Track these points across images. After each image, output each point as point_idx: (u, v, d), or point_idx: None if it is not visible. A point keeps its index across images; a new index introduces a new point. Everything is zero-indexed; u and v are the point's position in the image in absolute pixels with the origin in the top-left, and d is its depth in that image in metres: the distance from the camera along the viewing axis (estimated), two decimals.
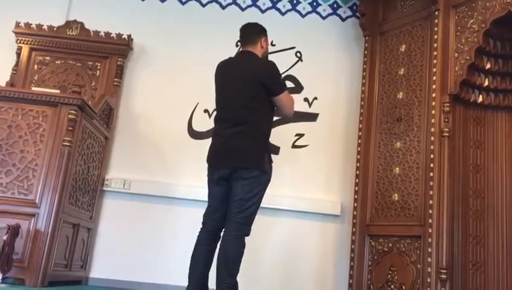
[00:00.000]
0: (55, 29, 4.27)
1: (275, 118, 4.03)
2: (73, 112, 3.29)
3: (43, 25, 4.26)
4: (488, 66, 3.53)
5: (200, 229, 2.83)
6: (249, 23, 3.06)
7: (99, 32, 4.26)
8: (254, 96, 2.76)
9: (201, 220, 2.84)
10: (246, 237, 2.72)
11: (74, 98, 3.31)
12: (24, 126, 3.27)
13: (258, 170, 2.72)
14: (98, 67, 4.27)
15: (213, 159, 2.83)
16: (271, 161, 2.84)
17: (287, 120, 4.12)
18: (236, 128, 2.74)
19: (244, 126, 2.73)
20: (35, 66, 4.26)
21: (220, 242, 2.73)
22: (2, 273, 2.89)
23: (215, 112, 3.00)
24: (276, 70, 2.89)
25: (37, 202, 3.15)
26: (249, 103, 2.76)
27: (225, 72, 2.92)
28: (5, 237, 2.92)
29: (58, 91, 3.55)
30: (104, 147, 4.03)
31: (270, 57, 4.29)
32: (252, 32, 2.98)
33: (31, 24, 4.26)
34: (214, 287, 2.66)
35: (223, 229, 2.76)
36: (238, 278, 2.68)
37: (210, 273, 2.76)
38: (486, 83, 3.56)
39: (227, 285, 2.61)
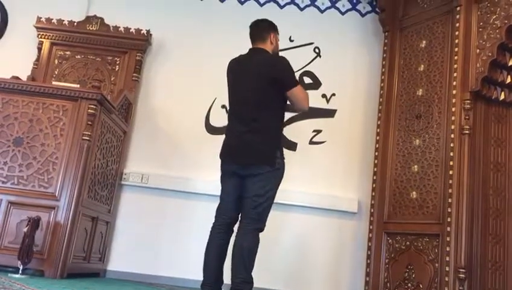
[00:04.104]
0: (75, 24, 4.32)
1: (291, 114, 4.09)
2: (92, 106, 3.33)
3: (63, 20, 4.31)
4: (511, 62, 3.46)
5: (212, 224, 2.85)
6: (258, 19, 3.05)
7: (119, 27, 4.30)
8: (265, 92, 2.77)
9: (214, 214, 2.86)
10: (261, 233, 2.73)
11: (94, 93, 3.35)
12: (45, 120, 3.32)
13: (270, 167, 2.72)
14: (117, 62, 4.31)
15: (225, 155, 2.85)
16: (283, 157, 2.83)
17: (304, 116, 4.11)
18: (248, 125, 2.75)
19: (256, 123, 2.74)
20: (56, 61, 4.32)
21: (234, 237, 2.74)
22: (23, 265, 2.94)
23: None
24: (288, 65, 2.88)
25: (57, 195, 3.20)
26: (261, 100, 2.76)
27: (237, 69, 2.93)
28: (25, 229, 2.97)
29: (78, 86, 3.60)
30: (123, 141, 4.06)
31: (288, 53, 4.29)
32: (261, 29, 2.98)
33: (52, 19, 4.31)
34: (229, 281, 2.67)
35: (236, 224, 2.80)
36: (253, 273, 2.68)
37: (224, 268, 2.77)
38: (508, 80, 3.49)
39: (243, 279, 2.62)
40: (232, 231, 2.82)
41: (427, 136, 3.52)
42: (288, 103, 2.90)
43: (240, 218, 2.78)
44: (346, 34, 4.39)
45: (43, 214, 3.13)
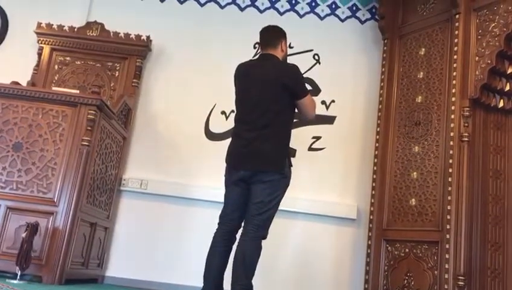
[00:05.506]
0: (75, 30, 4.33)
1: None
2: (92, 112, 3.33)
3: (64, 26, 4.32)
4: (510, 70, 3.47)
5: (216, 230, 2.81)
6: (269, 26, 3.03)
7: (119, 33, 4.31)
8: (276, 99, 2.74)
9: (218, 221, 2.83)
10: (263, 240, 2.71)
11: (93, 99, 3.35)
12: (44, 125, 3.32)
13: (278, 174, 2.70)
14: (117, 68, 4.32)
15: (233, 160, 2.81)
16: (291, 165, 2.83)
17: (304, 123, 4.11)
18: (258, 131, 2.72)
19: (266, 130, 2.71)
20: (56, 66, 4.32)
21: (236, 244, 2.72)
22: (21, 271, 2.93)
23: (233, 113, 3.00)
24: (299, 74, 2.87)
25: (55, 200, 3.19)
26: (271, 107, 2.73)
27: (246, 74, 2.89)
28: (24, 235, 2.97)
29: (77, 91, 3.59)
30: (122, 147, 4.06)
31: (288, 59, 4.31)
32: (272, 36, 2.95)
33: (52, 25, 4.32)
34: (229, 288, 2.66)
35: (239, 231, 2.77)
36: (253, 280, 2.67)
37: (225, 274, 2.75)
38: (507, 88, 3.50)
39: (243, 286, 2.61)
40: (235, 239, 2.78)
41: (426, 143, 3.53)
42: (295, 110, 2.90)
43: (243, 224, 2.75)
44: (346, 41, 4.40)
45: (41, 219, 3.12)
